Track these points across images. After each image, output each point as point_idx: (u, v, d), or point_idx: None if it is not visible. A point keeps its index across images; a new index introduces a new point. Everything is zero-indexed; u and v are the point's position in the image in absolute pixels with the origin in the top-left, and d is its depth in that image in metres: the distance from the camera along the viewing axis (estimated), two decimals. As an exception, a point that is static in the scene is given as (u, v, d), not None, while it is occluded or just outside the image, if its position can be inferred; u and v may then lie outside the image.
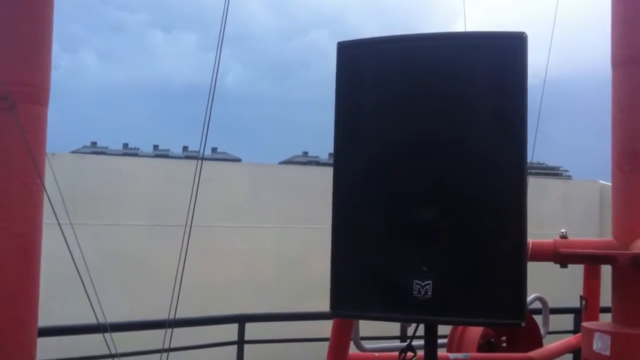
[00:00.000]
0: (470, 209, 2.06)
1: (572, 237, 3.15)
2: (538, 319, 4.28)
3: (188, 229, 2.85)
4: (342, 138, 2.20)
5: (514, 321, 2.03)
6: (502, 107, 2.06)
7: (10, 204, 2.80)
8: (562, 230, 3.11)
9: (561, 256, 3.06)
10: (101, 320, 2.83)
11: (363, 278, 2.14)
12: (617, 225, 3.17)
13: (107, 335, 2.80)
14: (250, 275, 8.16)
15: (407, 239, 2.09)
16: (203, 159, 3.00)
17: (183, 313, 3.63)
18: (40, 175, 2.69)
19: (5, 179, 2.78)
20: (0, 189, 2.77)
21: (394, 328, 5.67)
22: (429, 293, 2.04)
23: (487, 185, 2.05)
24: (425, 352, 2.25)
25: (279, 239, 8.41)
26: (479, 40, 2.12)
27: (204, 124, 2.82)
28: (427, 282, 2.04)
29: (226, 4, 2.99)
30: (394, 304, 2.10)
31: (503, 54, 2.06)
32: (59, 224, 2.76)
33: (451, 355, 3.66)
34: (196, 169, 2.86)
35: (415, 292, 2.05)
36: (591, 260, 3.22)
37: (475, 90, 2.09)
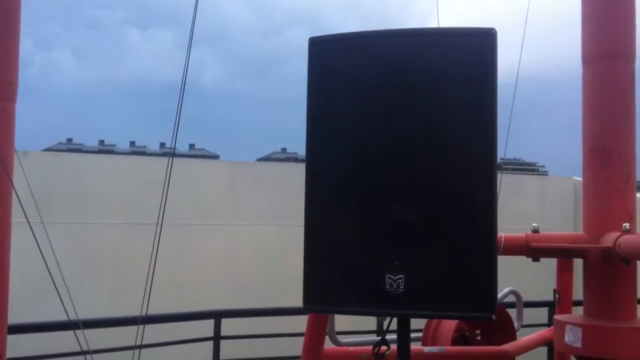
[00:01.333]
0: (442, 203, 2.08)
1: (546, 232, 3.19)
2: (512, 312, 4.33)
3: (159, 226, 2.84)
4: (315, 134, 2.20)
5: (484, 314, 2.05)
6: (473, 103, 2.07)
7: (-22, 202, 2.75)
8: (534, 224, 3.15)
9: (533, 250, 3.10)
10: (72, 317, 2.81)
11: (336, 273, 2.14)
12: (587, 219, 3.22)
13: (79, 332, 2.78)
14: (228, 272, 8.16)
15: (380, 233, 2.10)
16: (174, 155, 2.98)
17: (160, 311, 3.61)
18: (8, 172, 2.65)
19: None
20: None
21: (370, 322, 5.70)
22: (401, 287, 2.05)
23: (458, 180, 2.07)
24: (398, 346, 2.27)
25: (257, 236, 8.41)
26: (449, 36, 2.14)
27: (176, 119, 2.80)
28: (399, 276, 2.06)
29: (196, 1, 2.98)
30: (366, 298, 2.12)
31: (473, 49, 2.07)
32: (28, 222, 2.73)
33: (426, 348, 3.69)
34: (168, 164, 2.85)
35: (387, 287, 2.06)
36: (562, 254, 3.27)
37: (447, 86, 2.11)
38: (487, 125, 2.04)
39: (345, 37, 2.22)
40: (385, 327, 2.47)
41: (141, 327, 2.84)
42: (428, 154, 2.09)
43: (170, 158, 2.89)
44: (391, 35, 2.16)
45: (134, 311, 4.00)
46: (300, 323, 3.80)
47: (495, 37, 2.04)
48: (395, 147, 2.11)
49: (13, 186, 2.62)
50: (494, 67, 2.05)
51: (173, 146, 2.79)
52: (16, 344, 3.21)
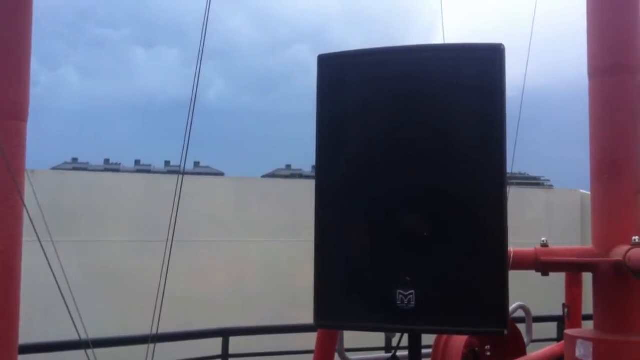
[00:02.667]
0: (453, 218, 2.08)
1: (553, 246, 3.18)
2: (521, 327, 4.30)
3: (170, 243, 2.85)
4: (324, 151, 2.22)
5: (496, 329, 2.05)
6: (482, 117, 2.09)
7: (-10, 220, 2.77)
8: (543, 238, 3.14)
9: (542, 264, 3.08)
10: (83, 336, 2.81)
11: (347, 289, 2.14)
12: (596, 233, 3.20)
13: (89, 351, 2.77)
14: (236, 288, 8.15)
15: (390, 248, 2.10)
16: (184, 173, 2.99)
17: (168, 328, 3.60)
18: (20, 192, 2.67)
19: (-16, 196, 2.75)
20: (-21, 206, 2.74)
21: (379, 339, 5.67)
22: (412, 303, 2.05)
23: (468, 195, 2.08)
24: (409, 362, 2.26)
25: (264, 252, 8.41)
26: (458, 51, 2.16)
27: (185, 137, 2.82)
28: (410, 291, 2.06)
29: (206, 18, 3.00)
30: (377, 314, 2.11)
31: (482, 65, 2.09)
32: (39, 241, 2.74)
33: (436, 365, 3.67)
34: (177, 183, 2.86)
35: (398, 302, 2.06)
36: (572, 268, 3.25)
37: (456, 100, 2.12)
38: (497, 139, 2.05)
39: (354, 54, 2.24)
40: (395, 344, 2.46)
41: (152, 345, 2.84)
42: (439, 168, 2.10)
43: (180, 176, 2.90)
44: (400, 52, 2.18)
45: (142, 328, 3.99)
46: (308, 340, 3.78)
47: (503, 52, 2.06)
48: (406, 162, 2.12)
49: (25, 205, 2.64)
50: (502, 81, 2.06)
51: (183, 165, 2.81)
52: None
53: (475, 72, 2.09)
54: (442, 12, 5.12)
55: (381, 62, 2.18)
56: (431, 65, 2.14)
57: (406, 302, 2.06)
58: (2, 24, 2.88)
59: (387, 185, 2.13)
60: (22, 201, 2.64)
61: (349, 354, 3.96)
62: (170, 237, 2.79)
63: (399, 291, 2.06)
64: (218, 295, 7.97)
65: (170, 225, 2.81)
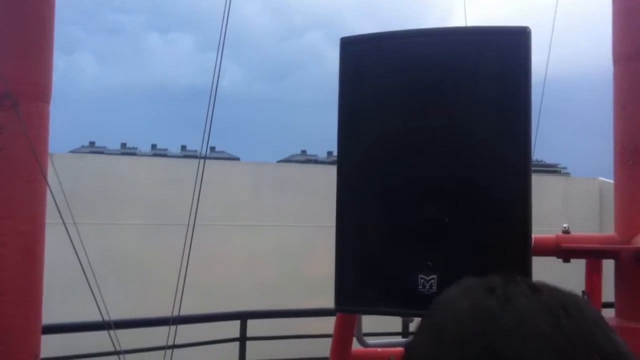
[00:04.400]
0: (475, 203, 2.07)
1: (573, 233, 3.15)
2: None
3: (191, 228, 2.85)
4: (346, 134, 2.21)
5: (518, 315, 2.03)
6: (505, 102, 2.06)
7: (14, 202, 2.80)
8: (565, 225, 3.11)
9: (564, 251, 3.06)
10: (105, 317, 2.83)
11: (368, 273, 2.14)
12: (619, 220, 3.17)
13: (111, 332, 2.80)
14: (250, 274, 8.17)
15: (412, 234, 2.10)
16: (205, 157, 2.99)
17: (183, 311, 3.63)
18: (43, 173, 2.69)
19: (8, 177, 2.78)
20: (4, 187, 2.76)
21: (395, 323, 5.68)
22: (434, 287, 2.05)
23: (491, 180, 2.06)
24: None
25: (279, 237, 8.41)
26: (482, 35, 2.13)
27: (205, 123, 2.82)
28: (432, 276, 2.05)
29: (227, 6, 2.99)
30: (398, 298, 2.11)
31: (506, 48, 2.06)
32: (63, 222, 2.75)
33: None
34: (198, 168, 2.86)
35: (420, 287, 2.06)
36: (594, 254, 3.22)
37: (479, 85, 2.10)
38: (521, 124, 2.03)
39: (377, 37, 2.22)
40: (413, 329, 2.45)
41: (173, 327, 2.86)
42: (461, 153, 2.08)
43: (200, 161, 2.90)
44: (423, 35, 2.16)
45: (159, 311, 4.02)
46: (325, 324, 3.79)
47: (529, 36, 2.03)
48: (427, 147, 2.11)
49: (49, 186, 2.66)
50: (528, 66, 2.03)
51: (206, 150, 2.81)
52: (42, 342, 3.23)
53: (500, 56, 2.06)
54: (464, -1, 5.05)
55: (402, 46, 2.16)
56: (454, 49, 2.11)
57: (428, 287, 2.05)
58: (26, 9, 2.90)
59: (407, 172, 2.12)
60: (46, 182, 2.66)
61: (366, 339, 3.95)
62: (192, 222, 2.80)
63: (420, 276, 2.06)
64: (233, 280, 8.01)
65: (191, 210, 2.82)
